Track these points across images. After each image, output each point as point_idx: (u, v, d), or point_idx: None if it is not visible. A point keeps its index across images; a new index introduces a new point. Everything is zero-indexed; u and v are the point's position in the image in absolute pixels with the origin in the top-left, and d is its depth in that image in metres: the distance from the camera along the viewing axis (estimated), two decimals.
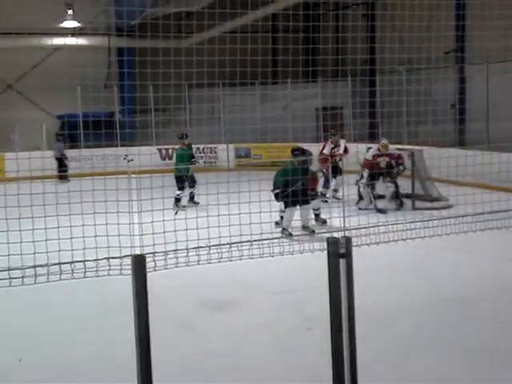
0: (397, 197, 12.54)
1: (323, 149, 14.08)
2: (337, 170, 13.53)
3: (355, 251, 3.74)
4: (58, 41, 22.71)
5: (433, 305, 6.85)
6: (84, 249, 5.76)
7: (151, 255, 4.91)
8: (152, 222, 6.18)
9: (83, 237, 5.99)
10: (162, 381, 3.83)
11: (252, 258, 5.72)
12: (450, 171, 8.74)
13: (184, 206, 12.64)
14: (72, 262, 4.96)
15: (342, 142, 14.36)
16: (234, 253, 5.62)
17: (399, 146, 14.68)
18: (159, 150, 20.99)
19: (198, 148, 20.49)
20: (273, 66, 23.53)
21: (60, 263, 4.99)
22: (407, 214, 10.23)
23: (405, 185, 12.72)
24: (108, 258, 5.09)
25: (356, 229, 6.33)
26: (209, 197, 6.77)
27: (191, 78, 12.01)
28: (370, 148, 13.59)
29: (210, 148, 21.49)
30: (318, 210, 11.22)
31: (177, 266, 5.44)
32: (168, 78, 11.95)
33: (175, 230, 6.04)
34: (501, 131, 15.08)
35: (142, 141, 20.95)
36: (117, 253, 5.17)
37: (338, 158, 13.68)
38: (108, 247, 5.70)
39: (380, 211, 11.87)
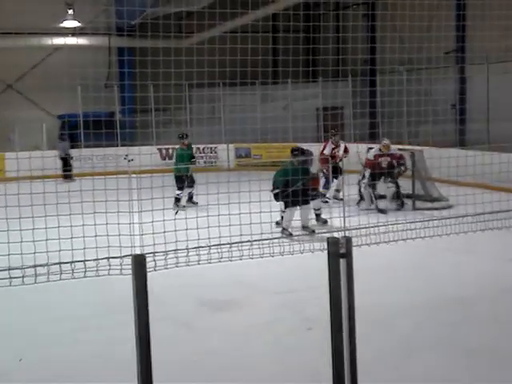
0: (398, 197, 12.54)
1: (324, 149, 14.08)
2: (337, 170, 13.52)
3: (355, 251, 3.74)
4: (59, 40, 22.69)
5: (433, 305, 6.85)
6: (84, 248, 5.77)
7: (151, 255, 4.92)
8: (152, 221, 6.18)
9: (83, 236, 6.00)
10: (162, 381, 3.83)
11: (252, 258, 5.73)
12: (450, 171, 8.74)
13: (184, 206, 12.66)
14: (72, 262, 4.96)
15: (342, 143, 14.35)
16: (234, 253, 5.62)
17: (400, 146, 14.68)
18: (159, 149, 20.98)
19: (199, 148, 20.49)
20: (273, 66, 23.53)
21: (60, 263, 4.99)
22: (407, 214, 10.23)
23: (405, 185, 12.72)
24: (108, 258, 5.10)
25: (356, 229, 6.34)
26: (209, 197, 6.78)
27: (192, 78, 12.04)
28: (371, 148, 13.59)
29: (211, 148, 21.49)
30: (318, 210, 11.22)
31: (177, 266, 5.44)
32: (168, 78, 11.95)
33: (175, 230, 6.05)
34: (501, 131, 15.07)
35: (143, 141, 20.95)
36: (117, 252, 5.17)
37: (338, 159, 13.67)
38: (108, 247, 5.71)
39: (381, 211, 11.87)
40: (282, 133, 20.72)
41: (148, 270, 3.54)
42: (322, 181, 13.18)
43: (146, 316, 3.46)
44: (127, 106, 21.98)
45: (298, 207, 10.35)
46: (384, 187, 12.54)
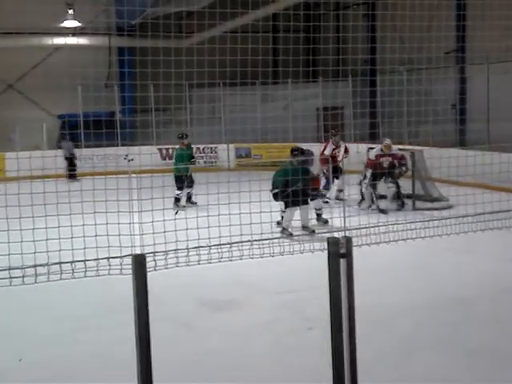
0: (398, 197, 12.54)
1: (324, 150, 14.07)
2: (338, 171, 13.51)
3: (356, 251, 3.73)
4: (59, 40, 22.70)
5: (433, 305, 6.85)
6: (84, 248, 5.76)
7: (151, 255, 4.91)
8: (152, 221, 6.18)
9: (84, 236, 5.99)
10: (162, 381, 3.82)
11: (252, 258, 5.72)
12: (450, 171, 8.74)
13: (184, 206, 12.66)
14: (72, 262, 4.95)
15: (342, 143, 14.34)
16: (234, 253, 5.61)
17: (400, 146, 14.68)
18: (160, 149, 20.98)
19: (199, 148, 20.50)
20: (273, 66, 23.54)
21: (60, 263, 4.99)
22: (408, 215, 10.23)
23: (405, 185, 12.72)
24: (108, 258, 5.09)
25: (356, 229, 6.33)
26: (209, 197, 6.78)
27: (192, 78, 12.04)
28: (372, 148, 13.58)
29: (211, 148, 21.48)
30: (319, 210, 11.22)
31: (177, 266, 5.44)
32: (169, 78, 11.94)
33: (175, 230, 6.04)
34: (501, 131, 15.07)
35: (143, 140, 20.96)
36: (117, 252, 5.17)
37: (339, 160, 13.65)
38: (108, 247, 5.70)
39: (382, 211, 11.87)
40: (283, 133, 20.71)
41: (148, 269, 3.54)
42: (323, 181, 13.18)
43: (146, 316, 3.46)
44: (127, 105, 21.98)
45: (298, 207, 10.35)
46: (384, 187, 12.54)
